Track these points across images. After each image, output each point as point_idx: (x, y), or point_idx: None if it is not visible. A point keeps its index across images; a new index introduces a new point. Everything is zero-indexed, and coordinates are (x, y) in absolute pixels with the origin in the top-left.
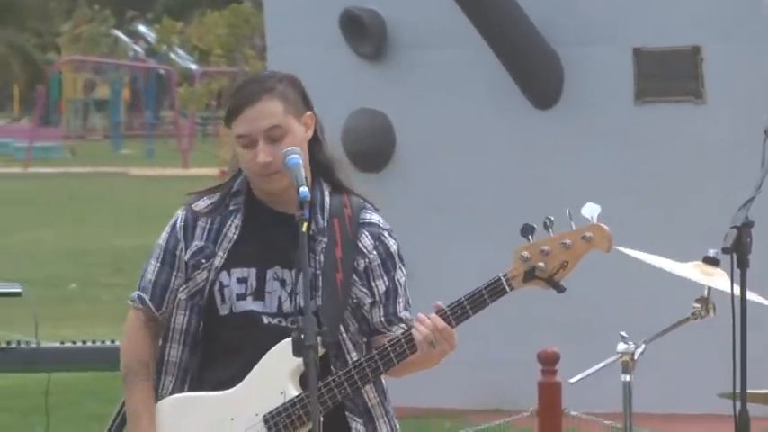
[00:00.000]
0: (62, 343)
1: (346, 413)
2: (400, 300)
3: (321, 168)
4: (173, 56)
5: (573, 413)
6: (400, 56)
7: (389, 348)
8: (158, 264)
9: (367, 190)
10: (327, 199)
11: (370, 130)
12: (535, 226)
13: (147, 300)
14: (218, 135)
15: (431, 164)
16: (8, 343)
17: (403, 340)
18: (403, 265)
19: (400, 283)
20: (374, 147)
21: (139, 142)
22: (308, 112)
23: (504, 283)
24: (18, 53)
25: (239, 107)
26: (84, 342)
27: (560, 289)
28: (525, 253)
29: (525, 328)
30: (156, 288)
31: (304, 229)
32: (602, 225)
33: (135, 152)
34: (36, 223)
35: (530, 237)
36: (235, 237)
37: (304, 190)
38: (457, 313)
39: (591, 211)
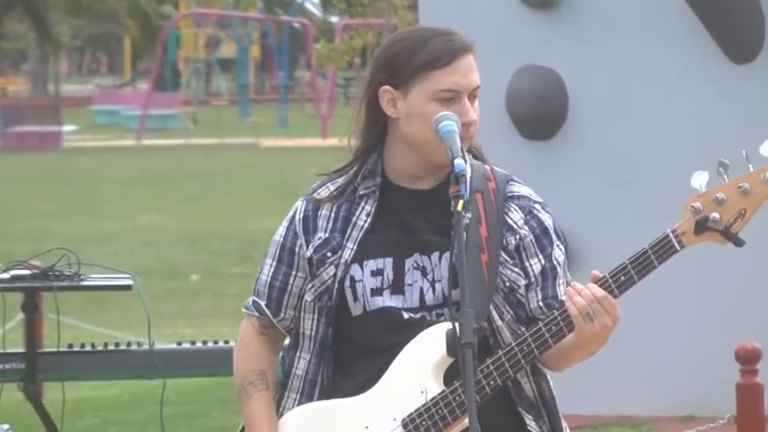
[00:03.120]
0: (180, 344)
1: (519, 408)
2: (560, 281)
3: None
4: (309, 6)
5: None
6: (574, 3)
7: (544, 328)
8: (275, 263)
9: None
10: (469, 170)
11: (540, 91)
12: (728, 162)
13: (263, 305)
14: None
15: (610, 129)
16: (117, 345)
17: (559, 317)
18: (561, 242)
19: (559, 262)
20: (544, 111)
21: (271, 108)
22: None
23: (673, 239)
24: (129, 5)
25: (451, 55)
26: (205, 342)
27: (739, 242)
28: (696, 204)
29: (722, 321)
30: (272, 291)
31: (459, 207)
32: None
33: (266, 120)
34: (151, 204)
35: (725, 175)
36: (366, 225)
37: (460, 162)
38: (620, 280)
39: None
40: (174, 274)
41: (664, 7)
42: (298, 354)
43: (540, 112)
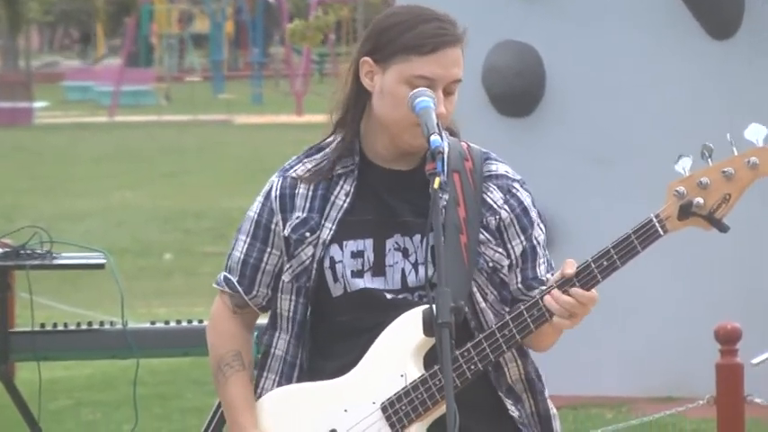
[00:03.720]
0: (153, 323)
1: (499, 394)
2: (540, 261)
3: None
4: None
5: (757, 400)
6: None
7: (526, 313)
8: (249, 239)
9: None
10: (446, 148)
11: (517, 67)
12: (713, 146)
13: (235, 282)
14: (337, 75)
15: (588, 107)
16: (90, 324)
17: (541, 302)
18: (541, 220)
19: (539, 242)
20: (521, 87)
21: (245, 85)
22: None
23: (657, 224)
24: None
25: (436, 44)
26: (179, 322)
27: (723, 228)
28: (680, 188)
29: (701, 302)
30: (245, 268)
31: (436, 185)
32: None
33: (240, 96)
34: (124, 182)
35: (709, 158)
36: (346, 205)
37: (436, 139)
38: (602, 265)
39: (756, 133)
40: (148, 252)
41: None
42: (277, 334)
43: (517, 89)
